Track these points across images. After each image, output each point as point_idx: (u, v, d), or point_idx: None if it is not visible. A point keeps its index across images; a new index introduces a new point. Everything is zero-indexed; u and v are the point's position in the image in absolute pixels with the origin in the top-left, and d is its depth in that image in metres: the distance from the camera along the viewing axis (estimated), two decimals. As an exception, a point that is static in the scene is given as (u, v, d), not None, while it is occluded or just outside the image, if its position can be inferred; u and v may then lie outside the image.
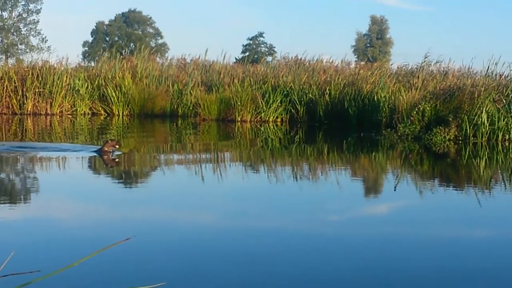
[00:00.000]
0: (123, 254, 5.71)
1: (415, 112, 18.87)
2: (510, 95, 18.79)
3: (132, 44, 73.53)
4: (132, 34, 79.06)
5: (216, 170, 11.97)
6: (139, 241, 6.11)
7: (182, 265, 5.64)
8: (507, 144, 17.75)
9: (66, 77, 27.62)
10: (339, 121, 23.86)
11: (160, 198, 9.13)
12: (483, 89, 19.09)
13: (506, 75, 23.65)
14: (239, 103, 24.91)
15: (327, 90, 24.80)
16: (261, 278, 5.33)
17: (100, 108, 27.87)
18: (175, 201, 8.91)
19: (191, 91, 27.15)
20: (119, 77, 27.90)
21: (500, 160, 15.04)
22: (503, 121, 18.16)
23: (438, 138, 17.83)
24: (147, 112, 27.33)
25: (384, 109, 22.04)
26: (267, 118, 25.16)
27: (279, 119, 25.41)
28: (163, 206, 8.52)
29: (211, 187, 10.20)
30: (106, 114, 27.49)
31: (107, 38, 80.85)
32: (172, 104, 27.37)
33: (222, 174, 11.50)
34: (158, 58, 39.59)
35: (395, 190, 10.43)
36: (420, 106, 18.89)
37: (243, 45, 74.40)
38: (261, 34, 74.52)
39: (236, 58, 58.96)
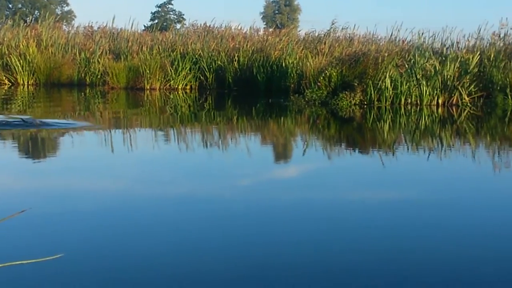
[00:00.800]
0: (19, 227, 5.59)
1: (322, 78, 19.23)
2: (412, 60, 19.37)
3: (36, 11, 71.25)
4: (37, 1, 76.63)
5: (125, 139, 11.93)
6: (36, 213, 6.02)
7: (81, 236, 5.55)
8: (409, 107, 18.36)
9: (-34, 45, 26.71)
10: (248, 87, 24.03)
11: (63, 169, 8.97)
12: (386, 54, 19.62)
13: (408, 40, 24.37)
14: (148, 71, 24.71)
15: (235, 57, 24.92)
16: (166, 247, 5.32)
17: (4, 77, 27.07)
18: (78, 171, 8.75)
19: (99, 59, 26.72)
20: (23, 45, 27.13)
21: (403, 123, 15.55)
22: (406, 85, 18.73)
23: (344, 102, 18.26)
24: (54, 81, 26.76)
25: (292, 75, 22.33)
26: (176, 86, 25.07)
27: (188, 87, 25.37)
28: (65, 176, 8.36)
29: (119, 156, 10.16)
30: (10, 84, 26.72)
31: (10, 5, 78.07)
32: (79, 72, 26.89)
33: (131, 143, 11.47)
34: (64, 26, 38.63)
35: (303, 154, 10.70)
36: (326, 71, 19.26)
37: (151, 12, 73.32)
38: (169, 1, 73.62)
39: (144, 26, 58.19)
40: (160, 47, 26.95)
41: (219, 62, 25.19)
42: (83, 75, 26.78)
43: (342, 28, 28.11)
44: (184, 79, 25.22)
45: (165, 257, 5.01)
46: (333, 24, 27.63)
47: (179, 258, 5.00)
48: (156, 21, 63.60)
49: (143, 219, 6.15)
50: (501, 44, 21.79)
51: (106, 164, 9.46)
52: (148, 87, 24.73)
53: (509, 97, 18.92)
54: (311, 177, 8.85)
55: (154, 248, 5.24)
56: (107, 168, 9.12)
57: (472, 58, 19.66)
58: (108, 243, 5.39)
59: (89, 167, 9.19)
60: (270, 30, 32.84)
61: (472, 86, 19.31)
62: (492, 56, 20.38)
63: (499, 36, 22.06)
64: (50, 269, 4.58)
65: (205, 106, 19.80)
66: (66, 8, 78.39)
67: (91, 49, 27.73)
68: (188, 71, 25.24)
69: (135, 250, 5.19)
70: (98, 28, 32.00)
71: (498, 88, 19.23)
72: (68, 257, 4.78)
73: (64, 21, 57.02)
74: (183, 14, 70.90)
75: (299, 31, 31.76)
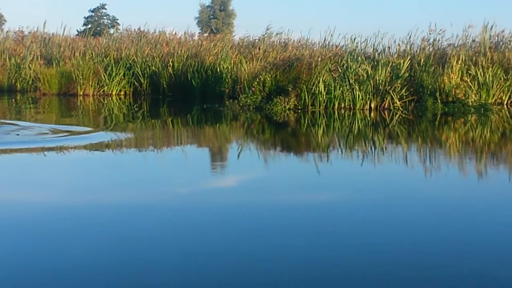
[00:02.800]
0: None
1: (256, 83, 19.30)
2: (345, 65, 19.63)
3: (-36, 16, 69.41)
4: (-36, 6, 74.74)
5: (56, 148, 11.68)
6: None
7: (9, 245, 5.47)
8: (342, 112, 18.59)
9: None
10: (183, 93, 23.99)
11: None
12: (320, 59, 19.84)
13: (341, 45, 24.70)
14: (81, 77, 24.42)
15: (170, 62, 24.85)
16: (91, 257, 5.27)
17: None
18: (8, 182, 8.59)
19: (30, 65, 26.31)
20: (-51, 51, 26.55)
21: (337, 127, 15.73)
22: (339, 90, 18.97)
23: (279, 107, 18.37)
24: (-17, 87, 26.25)
25: (227, 80, 22.37)
26: (110, 92, 24.85)
27: (122, 92, 25.17)
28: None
29: (46, 163, 9.98)
30: None
31: None
32: (9, 78, 26.44)
33: (61, 150, 11.25)
34: (-7, 31, 37.87)
35: (238, 158, 10.72)
36: (261, 76, 19.34)
37: (84, 17, 72.23)
38: (103, 6, 72.72)
39: (77, 31, 57.38)
40: (93, 52, 26.69)
41: (153, 68, 25.07)
42: (13, 81, 26.34)
43: (277, 33, 28.31)
44: (118, 84, 25.02)
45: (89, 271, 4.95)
46: (267, 29, 27.82)
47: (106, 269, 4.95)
48: (89, 26, 62.75)
49: (69, 228, 6.07)
50: (431, 49, 22.31)
51: (28, 170, 9.26)
52: (81, 93, 24.43)
53: (439, 101, 19.35)
54: (245, 182, 8.86)
55: (79, 259, 5.17)
56: (34, 177, 8.94)
57: (403, 63, 20.05)
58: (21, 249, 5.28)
59: (16, 176, 9.01)
60: (205, 35, 32.84)
61: (403, 90, 19.67)
62: (422, 61, 20.83)
63: (428, 41, 22.58)
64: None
65: (139, 111, 19.64)
66: (-5, 13, 76.64)
67: (21, 55, 27.29)
68: (122, 77, 25.05)
69: (48, 255, 5.11)
70: (29, 33, 31.52)
71: (428, 92, 19.65)
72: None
73: (-6, 26, 55.81)
74: (117, 19, 70.02)
75: (234, 36, 31.89)
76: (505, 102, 20.78)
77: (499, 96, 20.69)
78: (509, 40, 22.83)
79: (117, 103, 22.20)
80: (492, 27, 22.82)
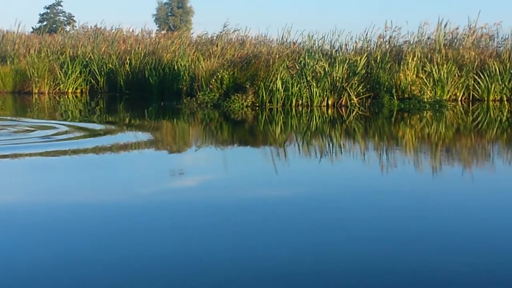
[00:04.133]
0: None
1: (214, 80, 19.29)
2: (302, 62, 19.71)
3: None
4: None
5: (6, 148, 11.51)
6: None
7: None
8: (300, 109, 18.67)
9: None
10: (140, 90, 23.88)
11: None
12: (277, 56, 19.89)
13: (299, 42, 24.78)
14: (36, 75, 24.14)
15: (127, 60, 24.71)
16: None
17: None
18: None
19: (-17, 63, 25.96)
20: None
21: (294, 124, 15.80)
22: (296, 87, 19.05)
23: (236, 105, 18.38)
24: None
25: (185, 78, 22.29)
26: (66, 90, 24.62)
27: (78, 90, 24.95)
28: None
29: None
30: None
31: None
32: (-38, 76, 26.00)
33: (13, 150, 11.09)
34: None
35: (194, 156, 10.70)
36: (218, 74, 19.33)
37: (40, 14, 71.33)
38: (59, 3, 71.81)
39: (33, 28, 56.62)
40: (48, 49, 26.43)
41: (110, 65, 24.89)
42: (-34, 79, 25.92)
43: (234, 30, 28.30)
44: (74, 82, 24.81)
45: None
46: (225, 26, 27.81)
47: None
48: (45, 23, 61.96)
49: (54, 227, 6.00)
50: (387, 46, 22.54)
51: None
52: (36, 91, 24.16)
53: (395, 97, 19.56)
54: (203, 179, 8.84)
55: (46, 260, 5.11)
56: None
57: (360, 60, 20.23)
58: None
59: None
60: (163, 32, 32.68)
61: (360, 87, 19.85)
62: (378, 58, 21.05)
63: (384, 38, 22.82)
64: None
65: (96, 109, 19.47)
66: None
67: (-26, 52, 26.88)
68: (79, 75, 24.85)
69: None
70: (-18, 30, 31.01)
71: (385, 89, 19.86)
72: None
73: None
74: (73, 16, 69.12)
75: (192, 33, 31.81)
76: (459, 98, 21.14)
77: (454, 93, 21.06)
78: (463, 37, 23.21)
79: (73, 101, 21.97)
80: (446, 24, 23.20)
